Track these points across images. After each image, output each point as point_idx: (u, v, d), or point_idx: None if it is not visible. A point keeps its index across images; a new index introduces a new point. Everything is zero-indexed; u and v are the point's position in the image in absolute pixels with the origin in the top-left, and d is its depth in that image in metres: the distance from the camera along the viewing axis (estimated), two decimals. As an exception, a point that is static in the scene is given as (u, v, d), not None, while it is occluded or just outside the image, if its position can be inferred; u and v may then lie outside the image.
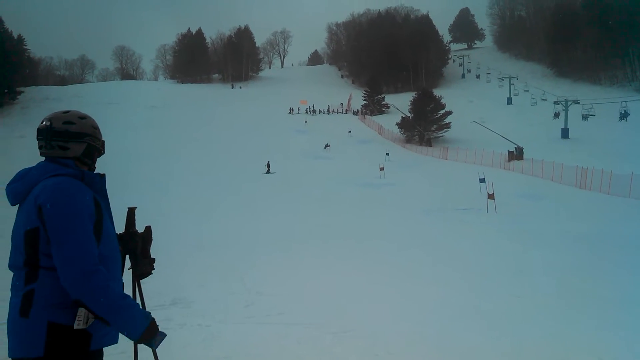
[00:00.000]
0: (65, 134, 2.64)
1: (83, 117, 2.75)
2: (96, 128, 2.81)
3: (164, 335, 2.60)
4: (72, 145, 2.66)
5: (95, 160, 2.83)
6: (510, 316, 7.64)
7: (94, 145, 2.76)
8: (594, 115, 56.62)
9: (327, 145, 60.22)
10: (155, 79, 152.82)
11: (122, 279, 2.76)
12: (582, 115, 57.78)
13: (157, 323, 2.58)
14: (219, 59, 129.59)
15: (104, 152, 2.85)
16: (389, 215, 23.35)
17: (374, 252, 13.51)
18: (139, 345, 2.77)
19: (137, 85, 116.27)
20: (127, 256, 3.01)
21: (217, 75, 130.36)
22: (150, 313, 2.56)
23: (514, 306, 8.22)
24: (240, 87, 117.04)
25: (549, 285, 9.77)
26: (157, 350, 2.89)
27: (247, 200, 28.80)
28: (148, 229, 3.11)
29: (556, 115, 63.82)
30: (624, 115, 54.75)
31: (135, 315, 2.46)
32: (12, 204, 2.63)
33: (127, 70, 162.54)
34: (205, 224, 19.87)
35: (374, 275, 10.42)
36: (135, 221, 3.08)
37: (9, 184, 2.63)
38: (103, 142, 2.84)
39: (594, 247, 14.89)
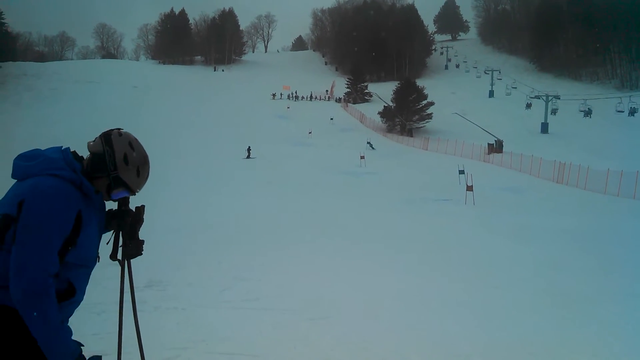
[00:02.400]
0: (109, 166, 2.63)
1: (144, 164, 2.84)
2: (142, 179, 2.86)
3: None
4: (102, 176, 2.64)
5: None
6: (488, 307, 7.69)
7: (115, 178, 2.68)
8: (591, 111, 56.31)
9: (309, 132, 60.06)
10: (137, 59, 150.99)
11: (83, 294, 2.64)
12: (581, 110, 57.34)
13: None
14: (202, 41, 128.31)
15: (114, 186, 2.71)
16: (369, 204, 23.39)
17: (353, 240, 13.51)
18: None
19: (118, 64, 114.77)
20: (115, 238, 2.90)
21: (199, 57, 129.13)
22: (80, 348, 2.44)
23: (492, 297, 8.27)
24: (223, 70, 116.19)
25: (527, 278, 9.86)
26: (127, 331, 2.84)
27: (225, 185, 28.64)
28: (139, 209, 2.98)
29: (528, 105, 66.03)
30: (587, 113, 55.72)
31: (61, 355, 2.33)
32: (12, 177, 2.56)
33: (108, 49, 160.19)
34: (182, 207, 19.72)
35: (352, 264, 10.43)
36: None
37: (18, 157, 2.57)
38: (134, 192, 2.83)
39: (570, 240, 15.05)
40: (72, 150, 2.66)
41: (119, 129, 2.77)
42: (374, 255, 11.57)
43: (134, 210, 2.94)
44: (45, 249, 2.32)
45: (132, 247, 2.90)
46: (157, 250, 10.59)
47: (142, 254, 2.96)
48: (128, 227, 2.87)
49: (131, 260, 2.98)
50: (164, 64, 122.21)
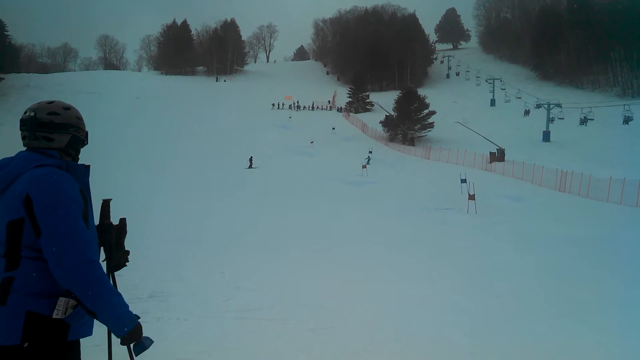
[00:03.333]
0: (50, 125, 2.62)
1: (67, 108, 2.73)
2: (80, 119, 2.79)
3: (150, 341, 2.59)
4: (57, 136, 2.64)
5: (79, 151, 2.81)
6: (489, 316, 7.70)
7: (78, 136, 2.74)
8: (592, 119, 56.55)
9: (311, 142, 60.14)
10: (139, 70, 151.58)
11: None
12: (580, 119, 57.78)
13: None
14: (204, 52, 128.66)
15: (87, 142, 2.82)
16: (371, 214, 23.40)
17: (356, 250, 13.53)
18: (113, 338, 2.75)
19: (121, 75, 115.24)
20: (102, 248, 2.98)
21: (202, 68, 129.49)
22: (138, 318, 2.54)
23: (493, 305, 8.29)
24: (225, 81, 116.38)
25: (528, 286, 9.87)
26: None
27: (228, 195, 28.71)
28: (123, 221, 3.10)
29: (526, 112, 68.09)
30: (583, 121, 56.57)
31: (123, 315, 2.44)
32: None
33: (111, 60, 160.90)
34: (186, 217, 19.75)
35: (355, 273, 10.44)
36: (110, 213, 3.05)
37: None
38: (87, 133, 2.82)
39: (572, 249, 15.05)
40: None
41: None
42: (376, 263, 11.58)
43: (117, 223, 3.06)
44: (76, 224, 2.41)
45: (119, 258, 3.01)
46: (160, 261, 10.66)
47: (126, 265, 3.06)
48: (114, 238, 2.98)
49: (121, 270, 3.09)
50: (166, 74, 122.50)
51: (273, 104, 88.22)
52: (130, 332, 2.47)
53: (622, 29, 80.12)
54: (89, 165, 2.73)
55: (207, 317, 7.10)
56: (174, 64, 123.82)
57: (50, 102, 2.70)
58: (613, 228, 21.03)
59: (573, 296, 9.09)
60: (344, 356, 5.84)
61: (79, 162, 2.74)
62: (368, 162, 45.06)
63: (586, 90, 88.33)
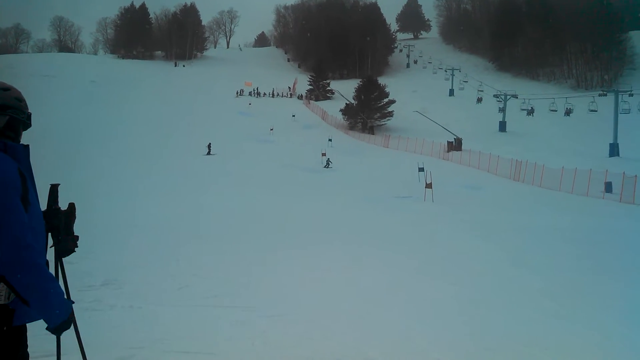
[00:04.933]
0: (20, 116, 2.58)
1: (6, 89, 2.63)
2: (21, 100, 2.69)
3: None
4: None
5: (21, 133, 2.71)
6: (445, 303, 7.82)
7: (17, 118, 2.64)
8: (555, 111, 57.89)
9: (271, 129, 59.78)
10: (95, 53, 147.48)
11: (46, 256, 2.66)
12: (527, 110, 59.52)
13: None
14: (162, 36, 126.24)
15: (30, 125, 2.73)
16: (330, 201, 23.48)
17: (314, 237, 13.56)
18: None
19: (76, 58, 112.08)
20: (49, 234, 2.89)
21: (160, 52, 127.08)
22: (72, 304, 2.50)
23: (449, 293, 8.41)
24: (184, 66, 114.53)
25: (482, 273, 10.06)
26: (80, 330, 2.85)
27: (185, 182, 28.35)
28: (72, 206, 3.01)
29: (479, 100, 71.05)
30: (530, 112, 59.11)
31: (56, 305, 2.40)
32: None
33: (65, 43, 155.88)
34: (142, 204, 19.45)
35: (313, 261, 10.46)
36: (59, 198, 2.97)
37: None
38: (29, 114, 2.72)
39: (526, 237, 15.40)
40: None
41: None
42: (334, 252, 11.61)
43: (66, 208, 2.98)
44: (12, 207, 2.33)
45: (67, 243, 2.93)
46: (114, 249, 10.47)
47: (75, 251, 2.99)
48: (63, 224, 2.90)
49: (71, 256, 3.01)
50: (123, 58, 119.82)
51: (237, 92, 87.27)
52: (63, 323, 2.43)
53: (577, 23, 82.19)
54: (28, 145, 2.65)
55: (161, 305, 7.01)
56: (131, 47, 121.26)
57: None
58: (565, 217, 21.58)
59: (528, 284, 9.29)
60: (302, 342, 5.84)
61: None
62: (328, 164, 43.24)
63: (542, 82, 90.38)
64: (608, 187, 30.03)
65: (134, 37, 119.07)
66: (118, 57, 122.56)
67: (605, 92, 50.78)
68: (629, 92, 49.47)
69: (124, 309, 6.70)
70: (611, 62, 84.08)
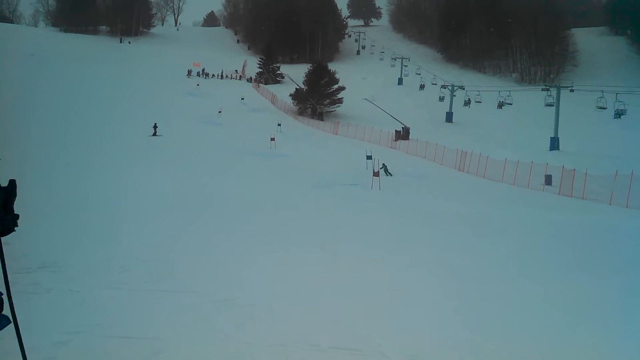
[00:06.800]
0: None
1: None
2: None
3: (7, 321, 2.39)
4: None
5: None
6: (388, 288, 7.90)
7: None
8: (511, 104, 59.19)
9: (219, 112, 58.89)
10: (35, 25, 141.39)
11: None
12: (465, 101, 60.99)
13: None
14: (107, 10, 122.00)
15: None
16: (278, 187, 23.39)
17: (259, 221, 13.48)
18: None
19: (13, 29, 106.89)
20: None
21: (104, 27, 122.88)
22: (1, 294, 2.33)
23: (393, 279, 8.50)
24: (130, 43, 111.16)
25: (425, 260, 10.22)
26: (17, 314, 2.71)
27: (129, 162, 27.62)
28: (12, 183, 2.84)
29: (421, 87, 74.70)
30: (466, 103, 60.75)
31: None
32: None
33: (2, 12, 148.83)
34: (83, 185, 18.86)
35: (256, 244, 10.40)
36: None
37: None
38: None
39: (466, 225, 15.76)
40: None
41: None
42: (281, 236, 11.59)
43: (6, 185, 2.80)
44: None
45: (6, 222, 2.76)
46: (53, 230, 10.10)
47: (14, 230, 2.82)
48: (2, 201, 2.73)
49: (9, 235, 2.83)
50: (65, 32, 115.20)
51: (189, 71, 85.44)
52: None
53: (523, 17, 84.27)
54: None
55: (101, 288, 6.82)
56: (74, 20, 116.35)
57: None
58: (505, 207, 22.18)
59: (467, 269, 9.51)
60: (247, 325, 5.81)
61: None
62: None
63: (488, 74, 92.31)
64: (548, 180, 30.99)
65: (77, 9, 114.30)
66: (60, 30, 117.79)
67: (547, 87, 52.19)
68: (570, 88, 51.18)
69: (63, 292, 6.49)
70: (554, 58, 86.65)
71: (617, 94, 44.66)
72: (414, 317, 6.61)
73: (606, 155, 40.49)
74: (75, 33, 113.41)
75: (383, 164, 29.01)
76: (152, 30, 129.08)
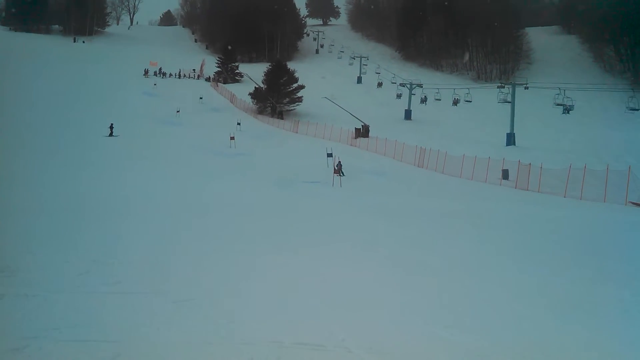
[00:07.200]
0: None
1: None
2: None
3: None
4: None
5: None
6: (351, 285, 7.92)
7: None
8: (440, 100, 60.95)
9: (177, 111, 58.15)
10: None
11: None
12: (421, 98, 62.01)
13: None
14: (60, 9, 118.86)
15: None
16: (239, 186, 23.25)
17: (219, 220, 13.37)
18: None
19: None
20: None
21: (57, 26, 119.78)
22: None
23: (355, 276, 8.53)
24: (84, 42, 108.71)
25: (385, 255, 10.30)
26: None
27: (84, 163, 27.01)
28: None
29: (379, 84, 77.63)
30: (423, 100, 62.01)
31: None
32: None
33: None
34: (37, 186, 18.37)
35: (217, 243, 10.30)
36: None
37: None
38: None
39: (425, 220, 15.97)
40: None
41: None
42: (242, 236, 11.50)
43: None
44: None
45: None
46: (6, 233, 9.79)
47: None
48: None
49: None
50: (15, 31, 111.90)
51: (146, 70, 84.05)
52: None
53: (478, 16, 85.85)
54: None
55: (58, 292, 6.64)
56: (24, 19, 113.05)
57: None
58: (463, 202, 22.55)
59: (426, 263, 9.62)
60: (207, 326, 5.75)
61: None
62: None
63: (445, 72, 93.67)
64: (505, 175, 31.65)
65: (28, 8, 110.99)
66: (10, 29, 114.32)
67: (503, 85, 53.32)
68: (525, 85, 52.45)
69: (18, 297, 6.30)
70: (509, 56, 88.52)
71: (564, 90, 46.22)
72: (377, 313, 6.65)
73: (560, 149, 41.66)
74: (26, 32, 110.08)
75: (339, 162, 28.97)
76: (107, 29, 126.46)
